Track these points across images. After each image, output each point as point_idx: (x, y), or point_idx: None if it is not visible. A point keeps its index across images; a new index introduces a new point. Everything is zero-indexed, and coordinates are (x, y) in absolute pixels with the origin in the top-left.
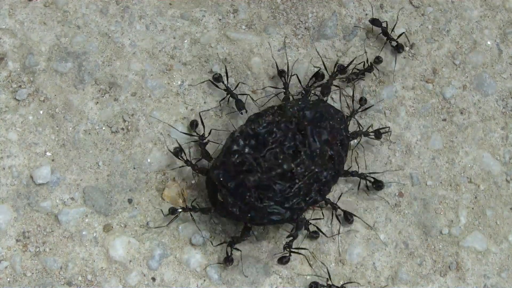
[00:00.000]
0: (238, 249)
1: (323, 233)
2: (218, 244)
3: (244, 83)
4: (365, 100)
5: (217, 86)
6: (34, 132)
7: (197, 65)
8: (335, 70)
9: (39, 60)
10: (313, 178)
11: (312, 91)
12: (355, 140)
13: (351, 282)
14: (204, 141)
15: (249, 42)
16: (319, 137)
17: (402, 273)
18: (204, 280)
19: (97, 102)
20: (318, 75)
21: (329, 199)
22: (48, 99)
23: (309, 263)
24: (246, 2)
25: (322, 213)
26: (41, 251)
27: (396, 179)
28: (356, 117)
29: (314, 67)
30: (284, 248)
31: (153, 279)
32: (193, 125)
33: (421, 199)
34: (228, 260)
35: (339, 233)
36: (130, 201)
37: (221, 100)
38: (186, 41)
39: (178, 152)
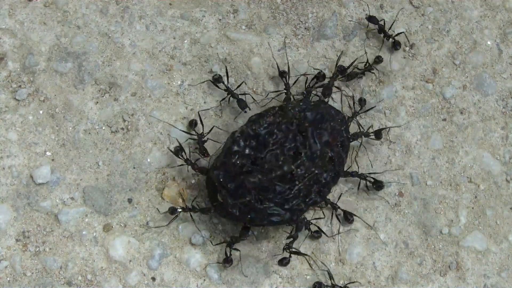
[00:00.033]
0: (237, 249)
1: (324, 233)
2: (218, 244)
3: (244, 83)
4: (364, 100)
5: (217, 87)
6: (34, 132)
7: (197, 65)
8: (336, 71)
9: (39, 60)
10: (313, 179)
11: (313, 92)
12: (358, 141)
13: (353, 282)
14: (203, 139)
15: (249, 42)
16: (319, 138)
17: (402, 272)
18: (204, 280)
19: (97, 102)
20: (319, 76)
21: (329, 199)
22: (48, 99)
23: (309, 265)
24: (246, 2)
25: (323, 212)
26: (41, 251)
27: (396, 179)
28: (356, 118)
29: (314, 69)
30: (284, 249)
31: (153, 278)
32: (192, 124)
33: (421, 199)
34: (227, 261)
35: (339, 233)
36: (130, 200)
37: (221, 100)
38: (186, 41)
39: (178, 151)
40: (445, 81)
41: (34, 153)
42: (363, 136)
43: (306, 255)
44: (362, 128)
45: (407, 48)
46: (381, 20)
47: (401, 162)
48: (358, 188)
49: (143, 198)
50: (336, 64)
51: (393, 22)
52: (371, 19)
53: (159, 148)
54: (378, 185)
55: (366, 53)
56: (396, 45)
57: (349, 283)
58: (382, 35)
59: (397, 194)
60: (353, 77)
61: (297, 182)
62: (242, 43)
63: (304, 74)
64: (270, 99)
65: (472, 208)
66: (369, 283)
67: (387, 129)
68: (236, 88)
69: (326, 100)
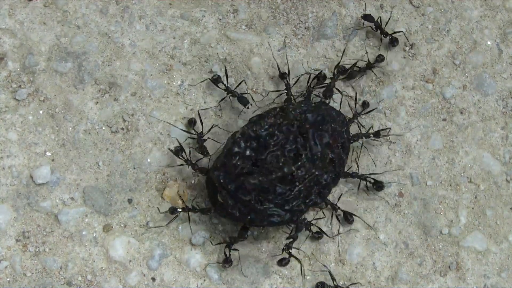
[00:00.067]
0: (236, 249)
1: (325, 234)
2: (217, 244)
3: (244, 82)
4: (368, 104)
5: (217, 86)
6: (34, 132)
7: (197, 65)
8: (336, 72)
9: (39, 60)
10: (313, 181)
11: (314, 93)
12: (359, 142)
13: (355, 283)
14: (203, 138)
15: (249, 42)
16: (320, 140)
17: (402, 273)
18: (204, 280)
19: (97, 102)
20: (320, 76)
21: (329, 199)
22: (48, 99)
23: (301, 272)
24: (246, 2)
25: (323, 212)
26: (41, 251)
27: (396, 179)
28: (357, 119)
29: (314, 70)
30: (284, 250)
31: (153, 279)
32: (191, 123)
33: (421, 199)
34: (226, 262)
35: (339, 233)
36: (130, 201)
37: (220, 101)
38: (186, 41)
39: (178, 151)
40: (445, 81)
41: (34, 153)
42: (363, 137)
43: (299, 261)
44: (364, 128)
45: (407, 48)
46: (377, 18)
47: (401, 162)
48: (358, 189)
49: (143, 198)
50: (336, 66)
51: (389, 18)
52: (366, 17)
53: (159, 148)
54: (378, 186)
55: (367, 52)
56: (393, 42)
57: (351, 284)
58: (379, 32)
59: (397, 194)
60: (354, 76)
61: (297, 183)
62: (242, 43)
63: (306, 73)
64: (270, 99)
65: (472, 208)
66: (369, 284)
67: (388, 130)
68: (236, 87)
69: (327, 101)
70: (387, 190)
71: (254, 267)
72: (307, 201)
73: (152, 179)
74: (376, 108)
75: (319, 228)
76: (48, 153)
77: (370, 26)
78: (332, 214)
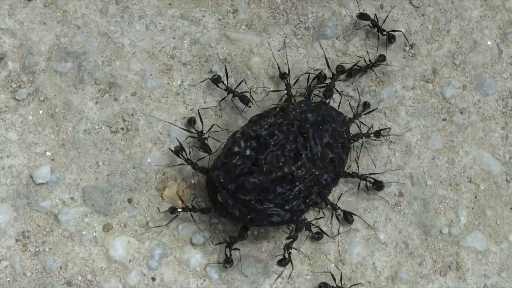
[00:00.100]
0: (237, 249)
1: (325, 234)
2: (218, 244)
3: (244, 82)
4: (369, 104)
5: (218, 86)
6: (34, 132)
7: (197, 65)
8: (336, 72)
9: (39, 60)
10: (313, 180)
11: (315, 93)
12: (359, 142)
13: (356, 285)
14: (204, 136)
15: (249, 42)
16: (320, 140)
17: (402, 272)
18: (204, 280)
19: (97, 102)
20: (320, 76)
21: (329, 199)
22: (48, 99)
23: (290, 277)
24: (246, 2)
25: (323, 212)
26: (41, 251)
27: (396, 179)
28: (358, 120)
29: (314, 70)
30: (284, 249)
31: (153, 279)
32: (191, 121)
33: (421, 199)
34: (227, 262)
35: (339, 233)
36: (130, 200)
37: (220, 101)
38: (186, 41)
39: (178, 150)
40: (445, 81)
41: (34, 153)
42: (363, 137)
43: (292, 265)
44: (366, 127)
45: (407, 48)
46: (373, 16)
47: (401, 162)
48: (358, 189)
49: (143, 198)
50: (336, 66)
51: (386, 16)
52: (362, 16)
53: (159, 148)
54: (378, 186)
55: (368, 52)
56: (390, 39)
57: (353, 285)
58: (376, 30)
59: (397, 194)
60: (354, 74)
61: (297, 183)
62: (242, 43)
63: (307, 73)
64: (270, 99)
65: (472, 208)
66: (369, 283)
67: (388, 130)
68: (236, 87)
69: (327, 101)
70: (387, 190)
71: (254, 267)
72: (307, 201)
73: (152, 179)
74: (377, 108)
75: (320, 228)
76: (48, 153)
77: (368, 25)
78: (332, 214)
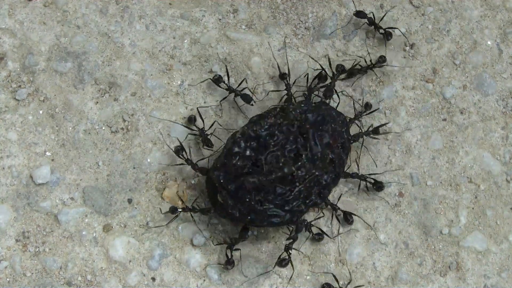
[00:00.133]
0: (238, 249)
1: (326, 235)
2: (218, 244)
3: (245, 81)
4: (370, 105)
5: (219, 86)
6: (34, 132)
7: (197, 65)
8: (336, 71)
9: (39, 60)
10: (313, 181)
11: (315, 92)
12: (359, 142)
13: (358, 286)
14: (206, 132)
15: (249, 42)
16: (320, 140)
17: (402, 273)
18: (204, 280)
19: (97, 102)
20: (320, 76)
21: (329, 200)
22: (48, 99)
23: (290, 279)
24: (246, 2)
25: (323, 212)
26: (41, 251)
27: (396, 179)
28: (358, 120)
29: (314, 70)
30: (285, 250)
31: (153, 279)
32: (191, 120)
33: (421, 199)
34: (229, 263)
35: (339, 233)
36: (130, 201)
37: (221, 100)
38: (186, 41)
39: (179, 150)
40: (445, 81)
41: (34, 153)
42: (363, 137)
43: (292, 267)
44: (363, 127)
45: (407, 48)
46: (369, 13)
47: (401, 162)
48: (358, 189)
49: (143, 198)
50: (336, 66)
51: (384, 15)
52: (359, 14)
53: (159, 148)
54: (378, 186)
55: (369, 53)
56: (387, 36)
57: (356, 286)
58: (373, 27)
59: (397, 194)
60: (355, 74)
61: (297, 184)
62: (242, 43)
63: (305, 73)
64: (271, 99)
65: (472, 208)
66: (369, 284)
67: (385, 124)
68: (237, 86)
69: (327, 101)
70: (387, 190)
71: (254, 267)
72: (307, 201)
73: (152, 179)
74: (378, 108)
75: (320, 229)
76: (48, 153)
77: (366, 23)
78: (332, 214)
